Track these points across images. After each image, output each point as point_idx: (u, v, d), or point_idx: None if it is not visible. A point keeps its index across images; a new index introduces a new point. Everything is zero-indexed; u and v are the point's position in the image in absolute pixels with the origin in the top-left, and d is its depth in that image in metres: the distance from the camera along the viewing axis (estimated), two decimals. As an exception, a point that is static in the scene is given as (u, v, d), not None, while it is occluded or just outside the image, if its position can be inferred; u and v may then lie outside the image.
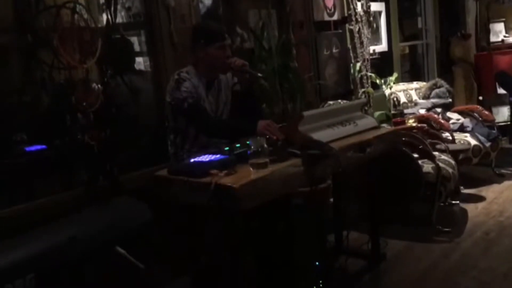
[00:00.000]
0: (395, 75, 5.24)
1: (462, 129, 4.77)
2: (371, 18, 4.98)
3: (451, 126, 4.68)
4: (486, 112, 5.08)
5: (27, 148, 2.59)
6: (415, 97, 5.32)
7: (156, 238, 2.43)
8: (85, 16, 2.62)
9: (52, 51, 2.48)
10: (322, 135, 2.59)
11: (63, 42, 2.49)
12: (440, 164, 3.70)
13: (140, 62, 3.46)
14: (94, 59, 2.63)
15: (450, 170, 3.76)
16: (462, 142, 4.49)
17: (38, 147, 2.63)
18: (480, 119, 4.92)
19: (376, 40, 5.46)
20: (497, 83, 6.26)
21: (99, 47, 2.62)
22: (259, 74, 2.73)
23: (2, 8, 2.53)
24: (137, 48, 3.42)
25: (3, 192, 2.51)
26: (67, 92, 2.57)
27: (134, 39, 3.43)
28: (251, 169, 2.21)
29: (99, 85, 2.66)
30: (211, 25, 2.89)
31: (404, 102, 5.17)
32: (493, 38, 6.98)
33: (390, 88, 5.11)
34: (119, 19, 3.10)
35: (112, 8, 2.81)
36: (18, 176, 2.57)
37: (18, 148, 2.57)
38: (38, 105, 2.70)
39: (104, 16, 2.83)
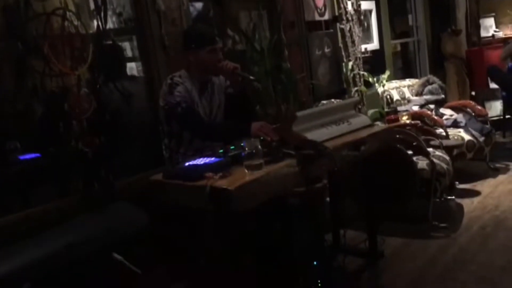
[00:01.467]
0: (387, 73, 5.26)
1: (455, 124, 4.79)
2: (362, 17, 5.01)
3: (445, 122, 4.70)
4: (479, 107, 5.11)
5: (21, 157, 2.57)
6: (408, 94, 5.34)
7: (153, 242, 2.43)
8: (76, 22, 2.61)
9: (43, 58, 2.47)
10: (316, 135, 2.59)
11: (53, 49, 2.48)
12: (435, 160, 3.71)
13: (133, 67, 3.45)
14: (85, 66, 2.62)
15: (445, 166, 3.78)
16: (456, 137, 4.51)
17: (32, 155, 2.61)
18: (473, 114, 4.95)
19: (368, 38, 5.48)
20: (489, 78, 6.29)
21: (91, 53, 2.62)
22: (251, 77, 2.73)
23: (-9, 16, 2.52)
24: (129, 53, 3.41)
25: (-2, 201, 2.50)
26: (59, 99, 2.56)
27: (126, 44, 3.42)
28: (246, 171, 2.21)
29: (92, 91, 2.65)
30: (201, 29, 2.90)
31: (397, 100, 5.19)
32: (483, 33, 7.03)
33: (383, 86, 5.13)
34: (110, 25, 3.09)
35: (103, 14, 2.80)
36: (12, 184, 2.56)
37: (11, 156, 2.56)
38: (31, 113, 2.68)
39: (95, 22, 2.83)
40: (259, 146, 2.25)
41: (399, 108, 4.86)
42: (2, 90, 2.61)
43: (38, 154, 2.63)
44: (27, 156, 2.59)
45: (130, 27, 3.31)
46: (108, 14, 2.91)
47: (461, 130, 4.67)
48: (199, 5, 3.78)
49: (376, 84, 5.13)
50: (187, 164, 2.37)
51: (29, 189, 2.65)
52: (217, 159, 2.32)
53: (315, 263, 2.92)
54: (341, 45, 4.78)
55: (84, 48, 2.63)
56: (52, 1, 2.50)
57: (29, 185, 2.64)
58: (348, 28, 4.76)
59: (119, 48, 3.26)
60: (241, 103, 2.84)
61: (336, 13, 4.75)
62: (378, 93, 5.12)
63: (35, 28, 2.51)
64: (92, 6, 2.83)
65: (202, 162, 2.32)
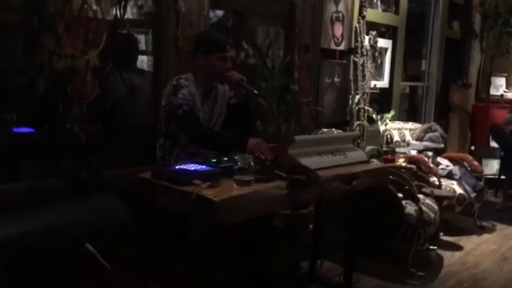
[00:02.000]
0: (392, 112, 5.28)
1: (450, 176, 4.78)
2: (377, 54, 5.03)
3: (440, 171, 4.70)
4: (476, 163, 5.11)
5: (15, 129, 2.57)
6: (408, 137, 5.35)
7: (132, 239, 2.40)
8: (95, 7, 2.62)
9: (56, 37, 2.47)
10: (310, 162, 2.58)
11: (68, 30, 2.49)
12: (423, 208, 3.70)
13: (143, 61, 3.45)
14: (96, 51, 2.62)
15: (432, 215, 3.77)
16: (448, 189, 4.51)
17: (26, 129, 2.60)
18: (469, 169, 4.96)
19: (379, 75, 5.51)
20: (491, 136, 6.32)
21: (104, 40, 2.62)
22: (255, 91, 2.74)
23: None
24: (142, 46, 3.42)
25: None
26: (64, 80, 2.56)
27: (141, 37, 3.42)
28: (235, 185, 2.20)
29: (98, 78, 2.65)
30: (213, 35, 2.87)
31: (396, 141, 5.20)
32: (493, 91, 7.07)
33: (385, 125, 5.14)
34: (129, 15, 3.10)
35: (123, 3, 2.80)
36: (2, 155, 2.54)
37: (6, 127, 2.55)
38: (34, 88, 2.68)
39: (114, 10, 2.83)
40: (252, 163, 2.24)
41: (397, 149, 4.87)
42: (10, 62, 2.61)
43: (32, 130, 2.62)
44: (22, 130, 2.58)
45: (149, 21, 3.32)
46: (129, 5, 2.92)
47: (455, 182, 4.67)
48: (219, 13, 3.80)
49: (379, 122, 5.14)
50: (177, 167, 2.35)
51: (18, 163, 2.64)
52: (208, 168, 2.31)
53: (287, 288, 2.90)
54: (351, 77, 4.80)
55: (98, 34, 2.62)
56: (75, -17, 2.51)
57: (19, 159, 2.63)
58: (361, 62, 4.79)
59: (132, 40, 3.27)
60: (241, 116, 2.84)
61: (352, 45, 4.78)
62: (379, 131, 5.13)
63: (54, 7, 2.51)
64: (114, -7, 2.84)
65: (192, 168, 2.31)
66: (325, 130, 4.22)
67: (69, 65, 2.56)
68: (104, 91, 2.66)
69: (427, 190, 4.07)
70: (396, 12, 5.65)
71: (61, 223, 1.95)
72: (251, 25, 4.09)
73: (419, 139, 5.36)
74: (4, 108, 2.53)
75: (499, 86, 7.11)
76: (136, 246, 2.54)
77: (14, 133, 2.54)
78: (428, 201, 3.91)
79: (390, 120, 5.20)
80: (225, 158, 2.42)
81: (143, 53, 3.41)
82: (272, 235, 2.93)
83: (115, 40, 2.71)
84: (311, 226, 3.45)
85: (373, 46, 4.94)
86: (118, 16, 2.77)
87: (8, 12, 2.56)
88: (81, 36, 2.57)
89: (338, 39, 4.63)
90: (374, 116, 5.01)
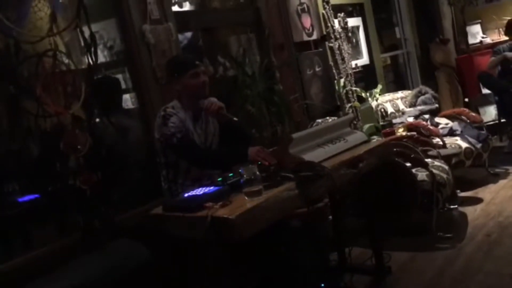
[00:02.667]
0: (379, 86, 5.29)
1: (451, 133, 4.79)
2: (350, 34, 5.05)
3: (441, 131, 4.72)
4: (473, 114, 5.14)
5: (20, 199, 2.57)
6: (401, 106, 5.37)
7: (156, 277, 2.40)
8: (66, 61, 2.62)
9: (36, 99, 2.48)
10: (313, 156, 2.59)
11: (46, 90, 2.49)
12: (434, 171, 3.71)
13: (127, 99, 3.46)
14: (79, 103, 2.62)
15: (445, 176, 3.77)
16: (453, 146, 4.51)
17: (31, 196, 2.60)
18: (468, 121, 4.97)
19: (357, 54, 5.53)
20: (480, 84, 6.33)
21: (83, 90, 2.62)
22: (235, 118, 2.74)
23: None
24: (122, 85, 3.43)
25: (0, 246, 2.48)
26: (54, 139, 2.56)
27: (119, 77, 3.43)
28: (246, 197, 2.20)
29: (86, 128, 2.65)
30: (180, 57, 3.00)
31: (391, 112, 5.21)
32: (471, 40, 7.09)
33: (376, 100, 5.15)
34: (102, 59, 3.10)
35: (93, 50, 2.81)
36: (13, 228, 2.54)
37: (10, 199, 2.55)
38: (27, 154, 2.68)
39: (87, 58, 2.83)
40: (257, 172, 2.24)
41: (394, 121, 4.89)
42: (-2, 133, 2.62)
43: (37, 195, 2.62)
44: (26, 198, 2.59)
45: (122, 60, 3.34)
46: (99, 48, 2.93)
47: (458, 138, 4.67)
48: (188, 34, 3.82)
49: (370, 99, 5.15)
50: (186, 195, 2.35)
51: (30, 231, 2.63)
52: (216, 188, 2.31)
53: (322, 285, 2.89)
54: (331, 63, 4.81)
55: (77, 86, 2.63)
56: (42, 43, 2.51)
57: (30, 227, 2.62)
58: (337, 46, 4.80)
59: (111, 82, 3.28)
60: (233, 130, 2.83)
61: (324, 32, 4.79)
62: (372, 108, 5.14)
63: (27, 70, 2.52)
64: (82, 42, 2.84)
65: (201, 192, 2.31)
66: (319, 121, 4.23)
67: (55, 123, 2.56)
68: (97, 139, 2.66)
69: (433, 152, 4.07)
70: (358, -11, 5.68)
71: (84, 280, 1.94)
72: (221, 38, 4.11)
73: (412, 105, 5.37)
74: (3, 179, 2.53)
75: (476, 34, 7.13)
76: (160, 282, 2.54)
77: (19, 203, 2.54)
78: (437, 163, 3.92)
79: (379, 94, 5.21)
80: (230, 174, 2.43)
81: (125, 91, 3.42)
82: (292, 236, 2.93)
83: (95, 88, 2.72)
84: (330, 217, 3.45)
85: (345, 28, 4.96)
86: (92, 63, 2.78)
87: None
88: (60, 92, 2.57)
89: (308, 30, 4.64)
90: (363, 94, 5.02)
